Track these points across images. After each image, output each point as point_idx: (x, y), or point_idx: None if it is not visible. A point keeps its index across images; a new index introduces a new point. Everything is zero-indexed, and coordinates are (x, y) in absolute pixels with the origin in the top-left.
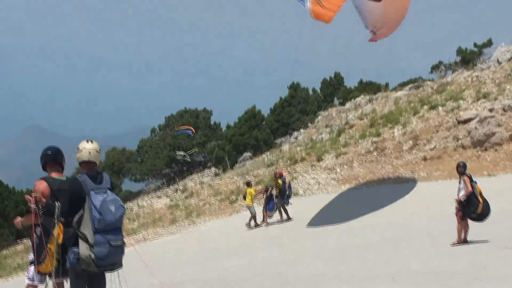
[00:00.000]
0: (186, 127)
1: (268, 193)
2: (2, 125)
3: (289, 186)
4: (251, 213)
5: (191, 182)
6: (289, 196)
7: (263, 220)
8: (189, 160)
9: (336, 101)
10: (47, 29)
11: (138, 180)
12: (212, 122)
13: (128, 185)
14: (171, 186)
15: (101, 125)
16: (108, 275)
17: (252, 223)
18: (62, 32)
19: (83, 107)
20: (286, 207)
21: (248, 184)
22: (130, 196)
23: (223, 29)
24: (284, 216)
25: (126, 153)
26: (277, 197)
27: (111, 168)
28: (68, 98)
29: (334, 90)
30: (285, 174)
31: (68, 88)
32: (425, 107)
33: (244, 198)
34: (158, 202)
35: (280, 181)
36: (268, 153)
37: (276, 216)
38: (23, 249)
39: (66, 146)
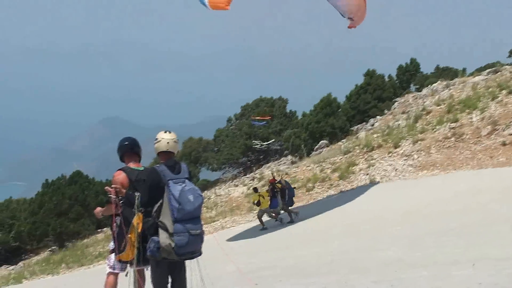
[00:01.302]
0: (262, 117)
1: (271, 191)
2: (80, 116)
3: (288, 186)
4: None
5: (268, 170)
6: (290, 196)
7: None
8: (265, 148)
9: (412, 87)
10: (116, 25)
11: (215, 169)
12: (287, 110)
13: (205, 174)
14: (248, 175)
15: (176, 115)
16: (187, 263)
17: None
18: (134, 25)
19: (159, 97)
20: (290, 208)
21: (256, 189)
22: (208, 185)
23: (298, 16)
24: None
25: (202, 143)
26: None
27: (188, 157)
28: (144, 89)
29: (411, 77)
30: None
31: (143, 78)
32: (504, 91)
33: (258, 204)
34: (235, 190)
35: (279, 185)
36: (344, 140)
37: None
38: (104, 238)
39: (142, 136)
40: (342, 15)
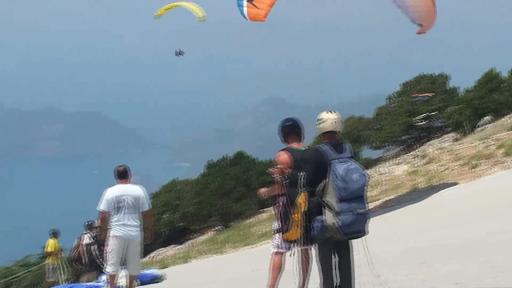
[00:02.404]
0: (424, 94)
1: None
2: (243, 96)
3: None
4: None
5: (430, 148)
6: None
7: None
8: (427, 125)
9: None
10: None
11: (377, 148)
12: (449, 87)
13: (366, 152)
14: (410, 153)
15: (334, 93)
16: (353, 242)
17: None
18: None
19: (316, 75)
20: None
21: None
22: (369, 163)
23: None
24: None
25: (363, 121)
26: None
27: (349, 136)
28: (300, 67)
29: None
30: None
31: (300, 56)
32: None
33: None
34: (398, 168)
35: None
36: (509, 116)
37: None
38: (267, 217)
39: (303, 115)
40: (412, 22)
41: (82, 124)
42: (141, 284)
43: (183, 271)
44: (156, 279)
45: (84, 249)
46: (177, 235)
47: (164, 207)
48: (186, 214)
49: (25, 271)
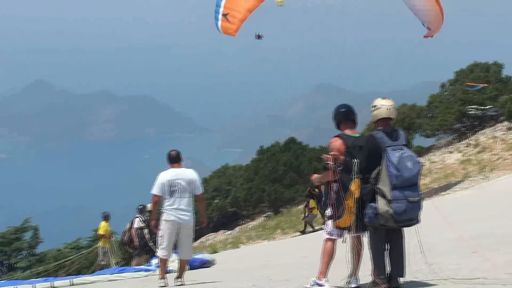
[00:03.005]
0: (479, 84)
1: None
2: (294, 82)
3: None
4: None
5: (483, 136)
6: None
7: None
8: (480, 114)
9: None
10: None
11: (429, 136)
12: (503, 75)
13: (418, 140)
14: (462, 141)
15: (387, 80)
16: (405, 229)
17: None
18: None
19: (368, 61)
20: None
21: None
22: (421, 151)
23: None
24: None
25: (416, 109)
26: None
27: (402, 124)
28: (352, 53)
29: None
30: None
31: (352, 42)
32: None
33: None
34: (450, 157)
35: (316, 190)
36: None
37: None
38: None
39: (355, 102)
40: (422, 24)
41: (134, 108)
42: (191, 269)
43: (233, 256)
44: (206, 263)
45: (136, 232)
46: (227, 220)
47: (215, 192)
48: (237, 199)
49: (77, 254)
